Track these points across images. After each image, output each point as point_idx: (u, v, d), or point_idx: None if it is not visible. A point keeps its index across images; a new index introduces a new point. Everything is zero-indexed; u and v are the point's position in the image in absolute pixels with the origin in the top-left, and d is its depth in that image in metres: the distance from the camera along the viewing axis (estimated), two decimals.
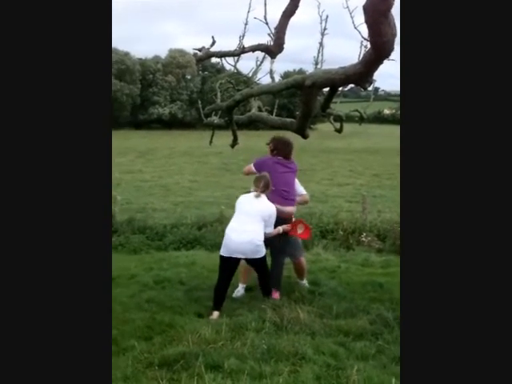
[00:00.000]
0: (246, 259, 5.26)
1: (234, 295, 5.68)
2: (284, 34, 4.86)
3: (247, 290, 5.84)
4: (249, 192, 5.45)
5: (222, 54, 5.64)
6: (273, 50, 4.99)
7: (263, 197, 5.28)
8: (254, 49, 5.16)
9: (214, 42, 5.66)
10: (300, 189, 6.04)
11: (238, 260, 5.23)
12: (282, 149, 5.82)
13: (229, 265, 5.24)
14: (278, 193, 5.52)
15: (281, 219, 5.42)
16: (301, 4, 4.69)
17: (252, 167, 5.86)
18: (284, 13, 4.74)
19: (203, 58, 5.96)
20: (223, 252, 5.22)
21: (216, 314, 5.05)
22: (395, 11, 3.28)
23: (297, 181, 5.95)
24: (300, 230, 5.76)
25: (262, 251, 5.22)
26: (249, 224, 5.15)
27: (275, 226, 5.35)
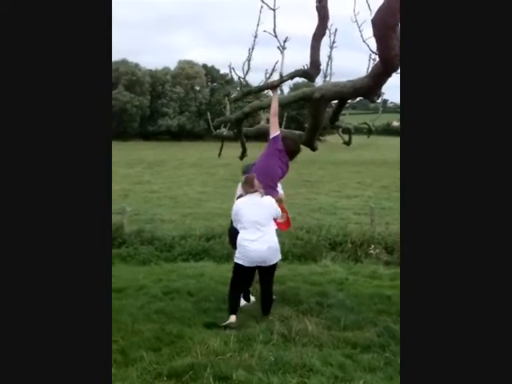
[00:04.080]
0: (262, 266, 5.24)
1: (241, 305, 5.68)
2: (318, 56, 4.88)
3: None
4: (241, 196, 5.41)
5: (259, 89, 5.59)
6: (311, 73, 5.00)
7: (263, 197, 5.23)
8: (292, 76, 5.11)
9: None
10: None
11: (255, 268, 5.27)
12: (290, 148, 5.72)
13: (247, 273, 5.33)
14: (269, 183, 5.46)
15: None
16: (310, 17, 4.76)
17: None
18: (314, 36, 4.78)
19: (239, 98, 5.98)
20: (243, 262, 5.20)
21: (233, 317, 5.13)
22: None
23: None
24: (282, 219, 5.72)
25: (279, 254, 5.32)
26: (263, 232, 5.16)
27: None
